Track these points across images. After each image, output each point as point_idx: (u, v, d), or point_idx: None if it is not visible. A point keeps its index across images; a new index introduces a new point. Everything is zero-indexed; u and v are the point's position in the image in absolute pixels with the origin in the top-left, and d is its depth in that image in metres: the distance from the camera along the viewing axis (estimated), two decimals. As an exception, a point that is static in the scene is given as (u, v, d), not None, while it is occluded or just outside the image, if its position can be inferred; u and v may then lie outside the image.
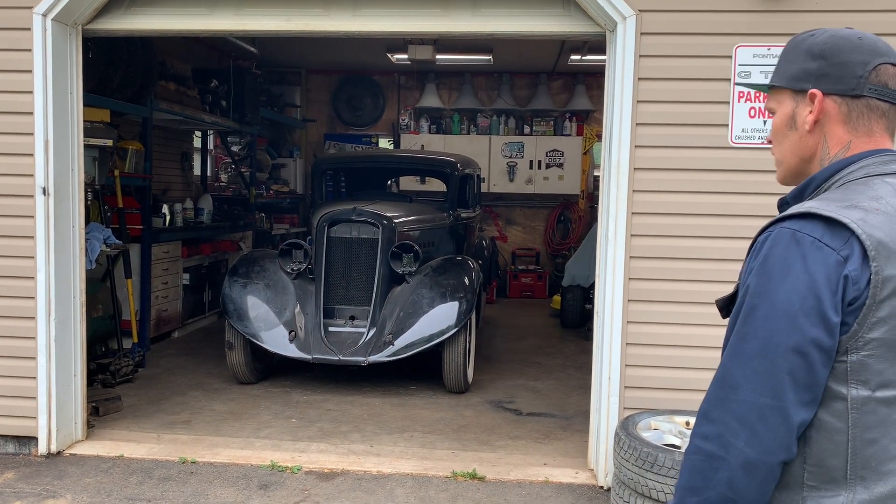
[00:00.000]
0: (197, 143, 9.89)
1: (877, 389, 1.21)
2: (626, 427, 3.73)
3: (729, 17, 4.00)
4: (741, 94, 4.02)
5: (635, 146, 4.06)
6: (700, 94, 4.02)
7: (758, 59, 4.01)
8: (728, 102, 4.02)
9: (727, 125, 4.03)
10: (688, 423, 3.92)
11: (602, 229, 4.26)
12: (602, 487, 4.22)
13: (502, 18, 4.34)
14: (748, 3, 3.99)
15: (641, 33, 4.04)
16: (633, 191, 4.07)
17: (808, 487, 1.24)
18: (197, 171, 9.75)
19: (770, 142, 1.48)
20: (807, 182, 1.37)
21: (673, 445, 3.69)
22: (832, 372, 1.20)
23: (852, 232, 1.18)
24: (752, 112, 4.02)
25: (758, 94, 4.01)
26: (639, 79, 4.05)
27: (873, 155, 1.31)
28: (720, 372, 1.26)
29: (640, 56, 4.05)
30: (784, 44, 4.08)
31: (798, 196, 1.38)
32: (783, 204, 1.40)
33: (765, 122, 4.03)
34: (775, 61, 3.93)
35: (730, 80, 4.01)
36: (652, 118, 4.05)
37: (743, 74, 4.01)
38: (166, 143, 8.71)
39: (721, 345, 1.33)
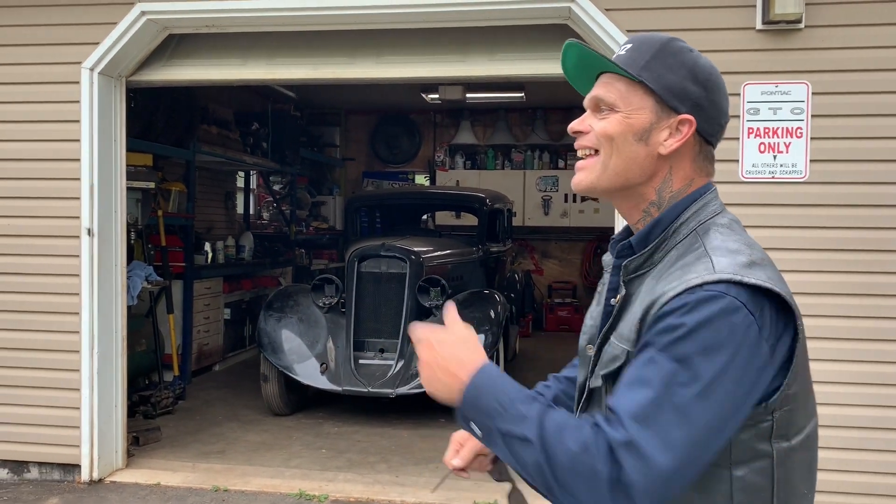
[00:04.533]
0: (240, 182, 10.28)
1: (793, 438, 1.21)
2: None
3: (737, 56, 4.10)
4: (751, 130, 4.11)
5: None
6: (709, 130, 4.11)
7: (766, 97, 4.09)
8: (738, 138, 4.11)
9: (738, 160, 4.11)
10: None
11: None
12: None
13: (517, 62, 4.53)
14: (756, 43, 4.09)
15: (651, 73, 4.16)
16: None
17: None
18: (240, 209, 10.12)
19: (580, 138, 1.31)
20: (652, 224, 1.27)
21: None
22: (754, 431, 1.17)
23: (778, 296, 1.15)
24: (762, 147, 4.10)
25: (766, 130, 4.10)
26: (649, 117, 4.16)
27: (709, 192, 1.29)
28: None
29: (651, 95, 4.16)
30: (790, 80, 4.12)
31: (643, 240, 1.28)
32: (617, 243, 1.34)
33: (774, 157, 4.10)
34: (784, 98, 4.07)
35: (739, 116, 4.10)
36: (663, 155, 4.15)
37: (751, 111, 4.10)
38: (211, 183, 9.09)
39: None
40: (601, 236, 11.69)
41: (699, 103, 1.25)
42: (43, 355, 4.72)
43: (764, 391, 1.15)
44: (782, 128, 4.08)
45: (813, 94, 4.04)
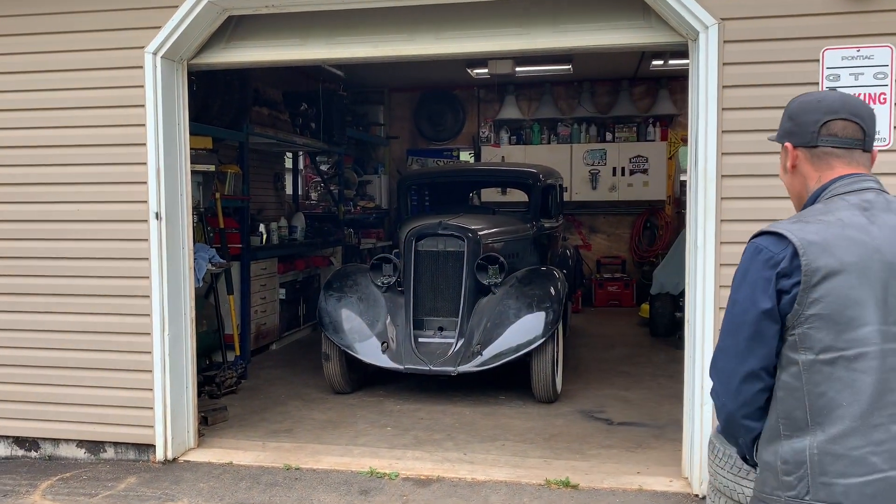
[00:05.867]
0: (288, 163, 10.32)
1: (819, 353, 1.59)
2: (720, 436, 3.72)
3: (815, 20, 3.96)
4: (830, 97, 3.96)
5: (722, 153, 4.06)
6: (787, 99, 3.94)
7: (846, 62, 3.94)
8: (817, 106, 3.96)
9: (817, 129, 3.97)
10: (784, 432, 3.88)
11: (690, 237, 4.27)
12: (697, 496, 4.21)
13: (583, 33, 4.42)
14: (836, 5, 3.93)
15: (724, 41, 4.04)
16: (722, 198, 4.07)
17: (784, 436, 1.64)
18: (288, 190, 10.17)
19: None
20: (803, 207, 1.81)
21: (769, 454, 3.67)
22: (786, 343, 1.63)
23: (788, 239, 1.63)
24: (843, 114, 3.95)
25: (848, 96, 3.94)
26: (723, 87, 4.05)
27: (836, 181, 1.74)
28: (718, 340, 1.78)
29: (724, 64, 4.05)
30: (873, 44, 3.99)
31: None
32: None
33: (857, 123, 3.95)
34: (865, 62, 3.92)
35: (818, 83, 3.96)
36: (738, 125, 4.04)
37: (831, 77, 3.96)
38: (260, 165, 9.14)
39: None
40: (651, 209, 11.52)
41: (791, 131, 1.81)
42: (116, 338, 4.81)
43: (777, 305, 1.62)
44: (865, 94, 3.93)
45: (897, 57, 3.88)
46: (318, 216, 9.97)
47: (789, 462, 1.62)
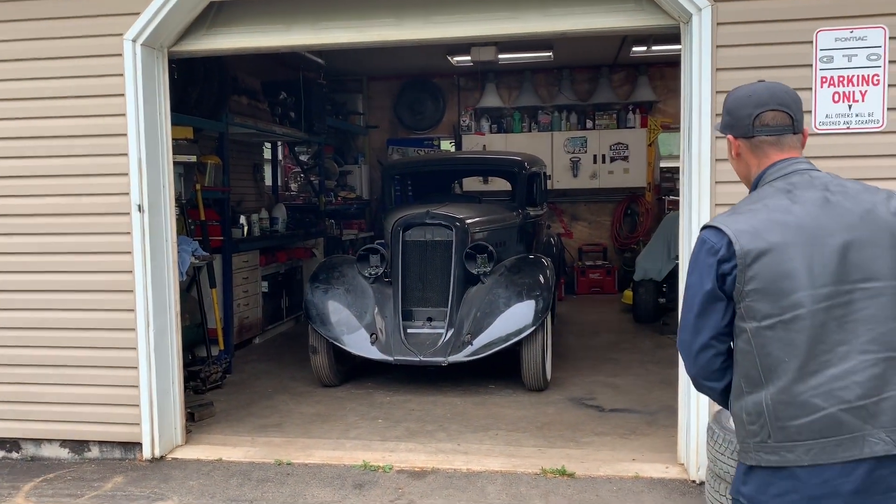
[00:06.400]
0: (267, 154, 10.16)
1: (762, 320, 1.86)
2: (720, 420, 3.70)
3: (808, 1, 3.93)
4: (824, 79, 3.94)
5: (716, 137, 4.03)
6: (781, 81, 3.94)
7: (840, 43, 3.93)
8: (811, 89, 3.94)
9: (810, 111, 3.95)
10: (781, 415, 3.88)
11: (684, 221, 4.24)
12: (694, 482, 4.20)
13: (573, 16, 4.36)
14: (828, -14, 3.91)
15: (718, 23, 4.00)
16: (716, 182, 4.04)
17: (746, 393, 1.91)
18: (268, 181, 10.02)
19: None
20: (750, 189, 2.07)
21: (768, 438, 3.66)
22: (737, 315, 1.90)
23: (723, 232, 1.90)
24: (836, 97, 3.94)
25: (841, 78, 3.94)
26: (717, 69, 4.02)
27: (769, 169, 2.00)
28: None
29: (717, 46, 4.01)
30: (866, 25, 3.97)
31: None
32: None
33: (850, 106, 3.95)
34: (859, 44, 3.90)
35: (811, 65, 3.94)
36: (732, 108, 4.00)
37: (825, 59, 3.94)
38: (239, 155, 8.97)
39: None
40: (631, 196, 11.54)
41: (730, 124, 2.07)
42: (99, 334, 4.68)
43: (722, 286, 1.90)
44: (858, 75, 3.92)
45: (890, 38, 3.86)
46: (299, 207, 9.84)
47: (751, 413, 1.90)
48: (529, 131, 11.50)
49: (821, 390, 1.83)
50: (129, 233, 4.60)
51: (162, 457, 4.75)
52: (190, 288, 6.49)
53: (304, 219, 9.32)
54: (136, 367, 4.66)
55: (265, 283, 8.07)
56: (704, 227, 1.98)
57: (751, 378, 1.90)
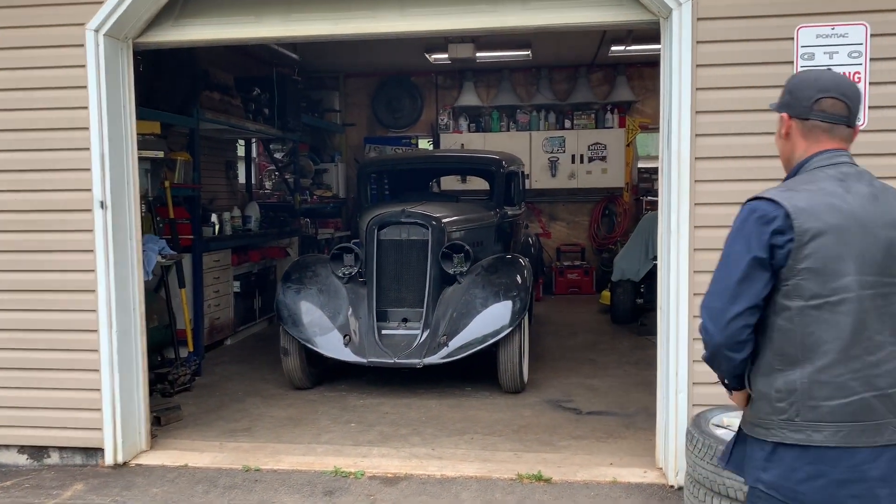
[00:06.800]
0: (241, 151, 9.97)
1: (809, 300, 1.89)
2: (699, 424, 3.62)
3: (789, -3, 3.86)
4: (805, 77, 3.87)
5: (696, 135, 3.95)
6: (762, 78, 3.88)
7: (821, 40, 3.86)
8: (791, 86, 3.88)
9: (791, 109, 3.89)
10: (761, 419, 3.81)
11: (663, 222, 4.15)
12: (672, 486, 4.11)
13: (553, 11, 4.25)
14: (809, -18, 3.84)
15: (698, 19, 3.92)
16: (696, 181, 3.96)
17: (777, 370, 1.94)
18: (242, 179, 9.83)
19: None
20: (787, 176, 2.10)
21: (748, 442, 3.58)
22: (779, 292, 1.92)
23: (780, 204, 1.90)
24: (818, 95, 3.87)
25: (823, 76, 3.87)
26: (697, 66, 3.94)
27: (817, 156, 2.02)
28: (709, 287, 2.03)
29: (698, 42, 3.93)
30: (847, 22, 3.90)
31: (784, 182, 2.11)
32: None
33: (831, 104, 3.88)
34: (840, 41, 3.84)
35: (792, 63, 3.87)
36: (712, 105, 3.94)
37: (806, 56, 3.88)
38: (211, 152, 8.79)
39: None
40: (609, 196, 11.49)
41: (788, 103, 2.07)
42: (60, 335, 4.50)
43: (772, 258, 1.90)
44: (839, 73, 3.84)
45: (871, 35, 3.81)
46: (274, 206, 9.66)
47: (782, 391, 1.93)
48: (508, 130, 11.41)
49: (860, 374, 1.88)
50: (91, 230, 4.42)
51: (125, 463, 4.58)
52: (158, 288, 6.31)
53: (279, 217, 9.15)
54: (97, 370, 4.48)
55: (237, 283, 7.89)
56: (754, 199, 1.96)
57: (787, 356, 1.92)
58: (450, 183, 10.75)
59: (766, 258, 1.90)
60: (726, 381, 2.11)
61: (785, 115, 2.07)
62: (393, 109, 11.81)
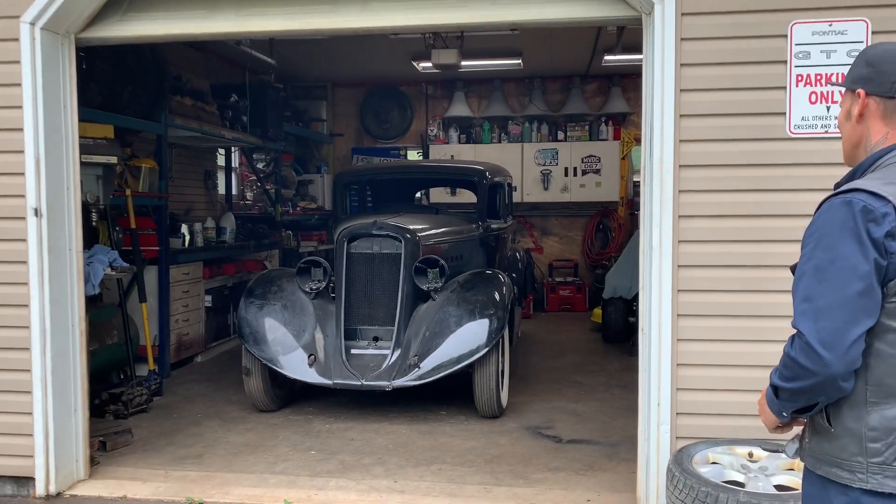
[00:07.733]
0: (221, 161, 9.65)
1: None
2: (680, 461, 3.25)
3: (783, -10, 3.52)
4: (800, 78, 3.53)
5: (680, 140, 3.60)
6: (752, 79, 3.54)
7: (817, 38, 3.51)
8: (785, 88, 3.53)
9: (784, 113, 3.54)
10: (751, 455, 3.42)
11: (645, 236, 3.79)
12: (653, 528, 3.73)
13: (526, 6, 3.92)
14: (804, -25, 3.50)
15: (682, 14, 3.58)
16: (679, 191, 3.60)
17: (871, 403, 1.61)
18: (222, 189, 9.50)
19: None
20: (856, 168, 1.75)
21: (735, 482, 3.20)
22: (884, 311, 1.56)
23: (889, 200, 1.55)
24: (814, 97, 3.53)
25: (819, 77, 3.52)
26: (681, 65, 3.59)
27: None
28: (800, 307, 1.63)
29: (682, 39, 3.59)
30: (846, 18, 3.56)
31: (849, 178, 1.74)
32: (837, 185, 1.72)
33: (828, 108, 3.53)
34: (838, 38, 3.49)
35: (786, 62, 3.53)
36: (698, 108, 3.59)
37: (800, 55, 3.53)
38: (188, 161, 8.47)
39: None
40: (604, 211, 11.13)
41: (868, 77, 1.72)
42: (-12, 354, 4.14)
43: (881, 271, 1.54)
44: (837, 73, 3.50)
45: (873, 32, 3.46)
46: (254, 217, 9.33)
47: (877, 429, 1.60)
48: (499, 142, 11.08)
49: None
50: (24, 240, 4.07)
51: (59, 493, 4.20)
52: (120, 303, 5.95)
53: (257, 229, 8.79)
54: (29, 392, 4.12)
55: (209, 298, 7.53)
56: (847, 191, 1.59)
57: (885, 387, 1.60)
58: (441, 196, 10.41)
59: (885, 265, 1.54)
60: (785, 413, 1.73)
61: (861, 91, 1.72)
62: (381, 120, 11.50)
